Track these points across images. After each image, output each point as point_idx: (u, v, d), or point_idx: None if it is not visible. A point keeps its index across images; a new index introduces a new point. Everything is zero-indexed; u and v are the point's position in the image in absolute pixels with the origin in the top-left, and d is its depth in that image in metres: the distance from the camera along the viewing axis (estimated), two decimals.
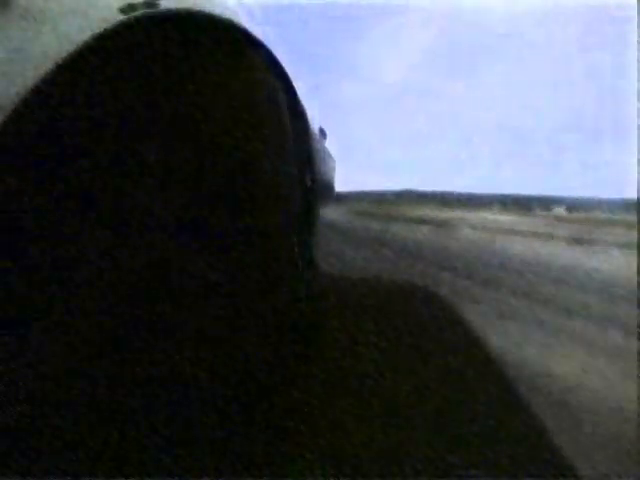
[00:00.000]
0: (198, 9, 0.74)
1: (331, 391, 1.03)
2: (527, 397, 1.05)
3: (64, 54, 0.51)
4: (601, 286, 2.53)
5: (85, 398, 0.86)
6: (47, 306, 0.79)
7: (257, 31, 0.90)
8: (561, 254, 4.10)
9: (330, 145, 2.26)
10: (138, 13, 0.60)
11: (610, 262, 3.52)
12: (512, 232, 6.06)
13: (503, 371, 1.21)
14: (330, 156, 2.27)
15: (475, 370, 1.22)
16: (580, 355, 1.44)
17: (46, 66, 0.49)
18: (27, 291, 0.76)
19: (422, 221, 7.62)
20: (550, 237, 5.52)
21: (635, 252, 3.38)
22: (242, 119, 0.80)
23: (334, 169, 2.46)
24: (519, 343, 1.51)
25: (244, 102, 0.81)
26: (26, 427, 0.76)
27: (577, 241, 5.02)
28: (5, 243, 0.75)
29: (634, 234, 4.40)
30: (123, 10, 0.58)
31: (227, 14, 0.80)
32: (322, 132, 2.05)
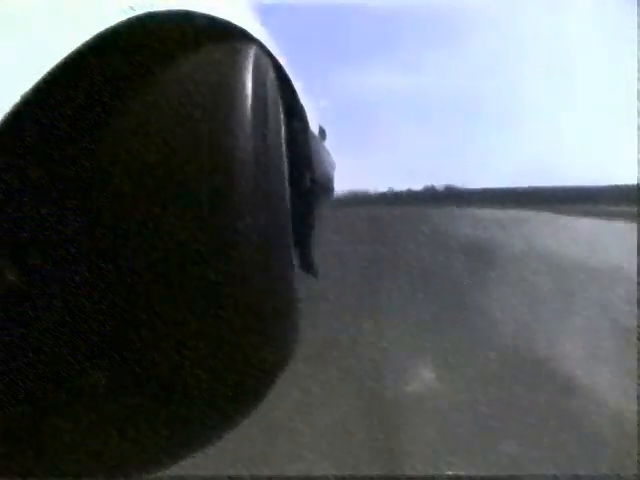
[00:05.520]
0: (199, 9, 0.74)
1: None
2: None
3: (64, 54, 0.51)
4: None
5: (84, 397, 0.86)
6: (47, 306, 0.79)
7: (258, 31, 0.90)
8: None
9: (330, 145, 2.27)
10: (138, 13, 0.60)
11: None
12: None
13: None
14: (330, 156, 2.27)
15: None
16: None
17: (46, 66, 0.49)
18: (27, 290, 0.76)
19: None
20: None
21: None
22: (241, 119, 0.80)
23: (334, 169, 2.46)
24: None
25: (243, 102, 0.81)
26: (26, 427, 0.76)
27: None
28: (5, 243, 0.75)
29: None
30: (123, 10, 0.58)
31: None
32: (322, 132, 2.06)
